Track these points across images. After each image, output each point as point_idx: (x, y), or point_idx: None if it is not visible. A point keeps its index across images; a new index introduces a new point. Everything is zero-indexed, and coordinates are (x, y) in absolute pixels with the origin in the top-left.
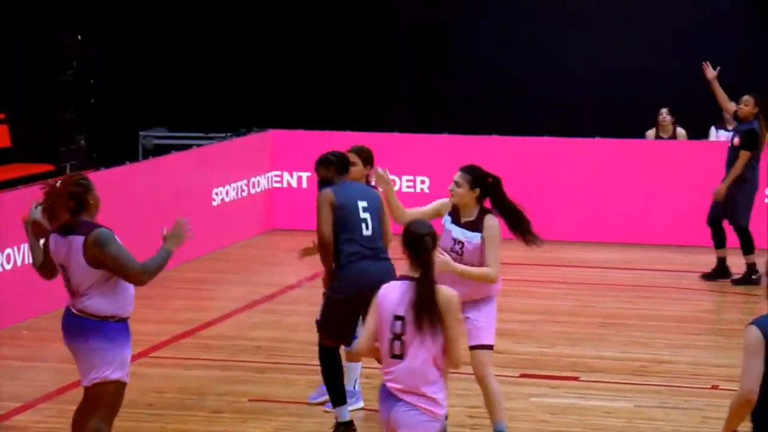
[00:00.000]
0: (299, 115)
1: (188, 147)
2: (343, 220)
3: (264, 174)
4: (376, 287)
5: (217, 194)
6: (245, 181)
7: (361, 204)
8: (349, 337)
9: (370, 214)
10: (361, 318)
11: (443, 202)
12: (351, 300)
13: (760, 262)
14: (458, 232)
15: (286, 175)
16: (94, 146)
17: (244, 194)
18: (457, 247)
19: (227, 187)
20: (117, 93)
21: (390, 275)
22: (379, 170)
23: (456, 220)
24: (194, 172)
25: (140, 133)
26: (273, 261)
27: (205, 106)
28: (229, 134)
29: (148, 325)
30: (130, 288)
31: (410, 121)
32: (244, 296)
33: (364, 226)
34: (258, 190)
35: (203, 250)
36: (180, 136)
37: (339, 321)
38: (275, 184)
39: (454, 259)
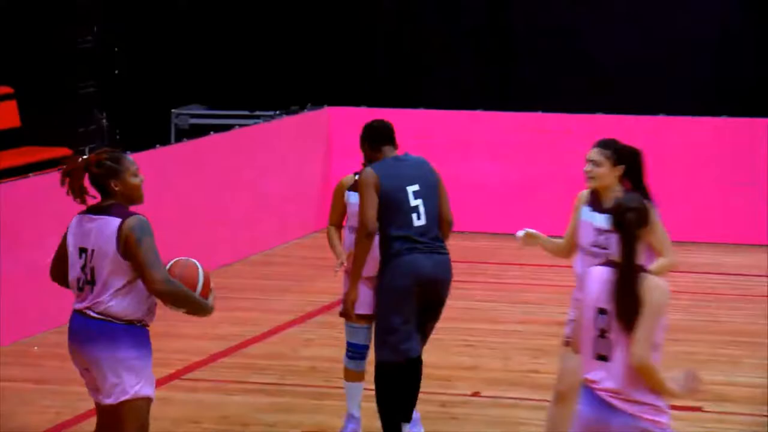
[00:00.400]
0: (361, 89)
1: (230, 127)
2: (390, 210)
3: (317, 160)
4: (427, 282)
5: (264, 184)
6: (298, 168)
7: (412, 189)
8: (406, 348)
9: (423, 200)
10: (417, 318)
11: (580, 197)
12: (401, 298)
13: None
14: (602, 220)
15: (347, 161)
16: (117, 126)
17: (297, 184)
18: (602, 238)
19: (276, 175)
20: (145, 63)
21: (442, 268)
22: (520, 234)
23: (597, 207)
24: (237, 158)
25: (173, 110)
26: (331, 264)
27: (249, 79)
28: (278, 112)
29: (180, 341)
30: None
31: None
32: (297, 306)
33: (414, 216)
34: (311, 179)
35: (247, 251)
36: (220, 114)
37: (392, 327)
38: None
39: (599, 255)
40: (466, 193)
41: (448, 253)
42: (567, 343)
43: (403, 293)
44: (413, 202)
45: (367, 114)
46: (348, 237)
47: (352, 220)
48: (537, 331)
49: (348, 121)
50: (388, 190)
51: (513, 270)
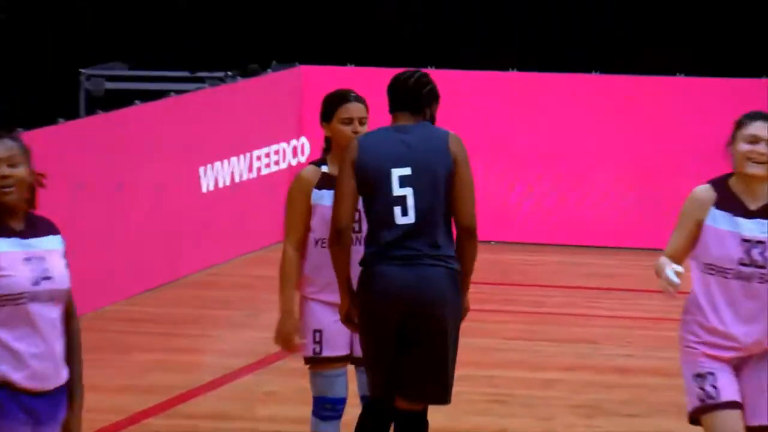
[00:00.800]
0: (348, 41)
1: (163, 94)
2: (366, 200)
3: (288, 141)
4: (407, 305)
5: (208, 175)
6: (257, 153)
7: (398, 172)
8: (385, 380)
9: (415, 189)
10: (403, 358)
11: (699, 196)
12: (369, 327)
13: None
14: (752, 228)
15: (319, 142)
16: (2, 93)
17: (253, 175)
18: (756, 252)
19: (226, 162)
20: (44, 6)
21: (430, 285)
22: (673, 276)
23: (740, 210)
24: (172, 136)
25: (82, 71)
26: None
27: (189, 29)
28: (230, 74)
29: (91, 395)
30: (30, 336)
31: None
32: (252, 346)
33: (398, 210)
34: (278, 168)
35: (185, 269)
36: (148, 76)
37: (367, 354)
38: (305, 156)
39: (753, 275)
40: (490, 190)
41: (445, 266)
42: (707, 408)
43: (370, 321)
44: (397, 191)
45: (355, 75)
46: (316, 255)
47: (321, 230)
48: (590, 381)
49: (329, 85)
50: (365, 170)
51: (556, 295)
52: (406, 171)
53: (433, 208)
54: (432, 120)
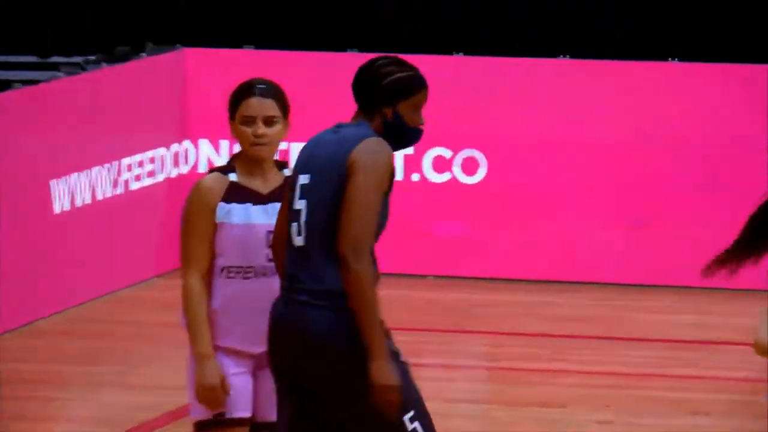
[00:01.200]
0: (236, 19)
1: (3, 87)
2: None
3: (168, 146)
4: (280, 350)
5: (62, 190)
6: (127, 161)
7: (301, 180)
8: None
9: (308, 203)
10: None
11: None
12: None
13: None
14: None
15: (208, 147)
16: None
17: (120, 191)
18: None
19: (86, 174)
20: None
21: (302, 328)
22: None
23: None
24: (14, 142)
25: None
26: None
27: (39, 2)
28: (91, 59)
29: None
30: None
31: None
32: (121, 411)
33: (295, 228)
34: (154, 180)
35: (34, 312)
36: None
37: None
38: (190, 164)
39: None
40: (430, 210)
41: (325, 306)
42: None
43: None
44: (296, 204)
45: (254, 60)
46: (221, 288)
47: (230, 255)
48: None
49: (221, 73)
50: (290, 180)
51: (515, 345)
52: (306, 179)
53: (324, 228)
54: (395, 123)
